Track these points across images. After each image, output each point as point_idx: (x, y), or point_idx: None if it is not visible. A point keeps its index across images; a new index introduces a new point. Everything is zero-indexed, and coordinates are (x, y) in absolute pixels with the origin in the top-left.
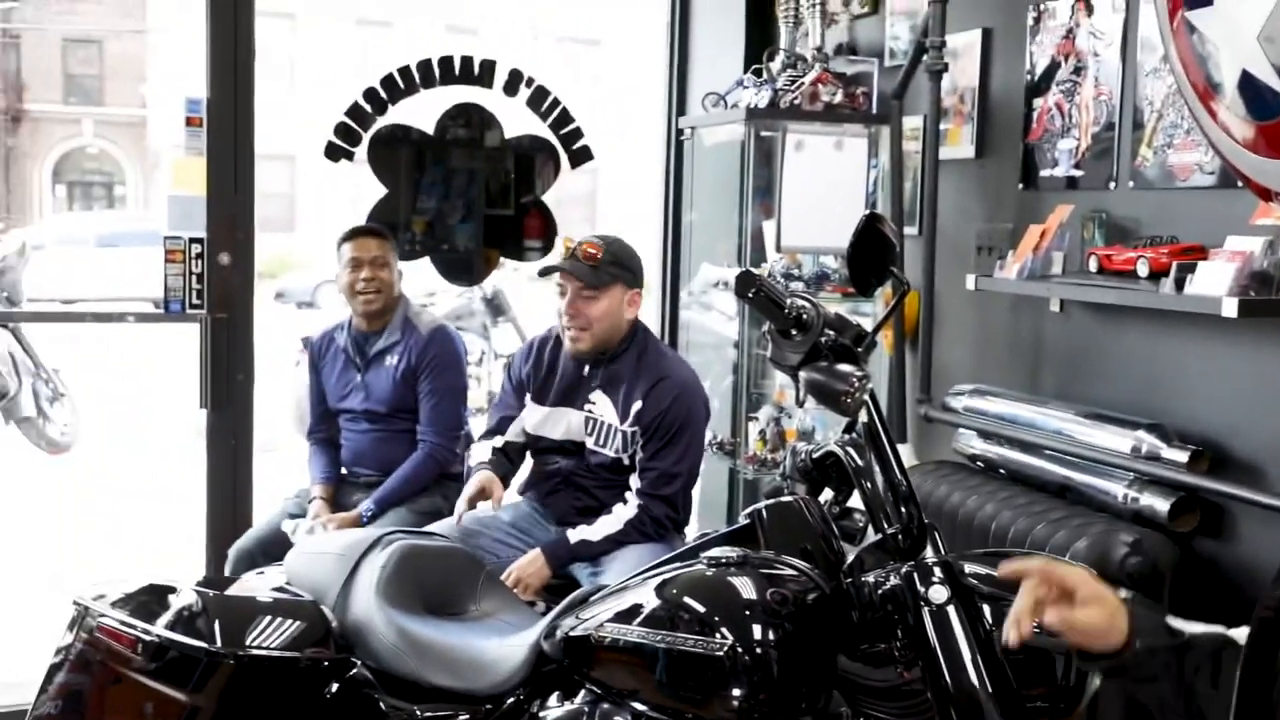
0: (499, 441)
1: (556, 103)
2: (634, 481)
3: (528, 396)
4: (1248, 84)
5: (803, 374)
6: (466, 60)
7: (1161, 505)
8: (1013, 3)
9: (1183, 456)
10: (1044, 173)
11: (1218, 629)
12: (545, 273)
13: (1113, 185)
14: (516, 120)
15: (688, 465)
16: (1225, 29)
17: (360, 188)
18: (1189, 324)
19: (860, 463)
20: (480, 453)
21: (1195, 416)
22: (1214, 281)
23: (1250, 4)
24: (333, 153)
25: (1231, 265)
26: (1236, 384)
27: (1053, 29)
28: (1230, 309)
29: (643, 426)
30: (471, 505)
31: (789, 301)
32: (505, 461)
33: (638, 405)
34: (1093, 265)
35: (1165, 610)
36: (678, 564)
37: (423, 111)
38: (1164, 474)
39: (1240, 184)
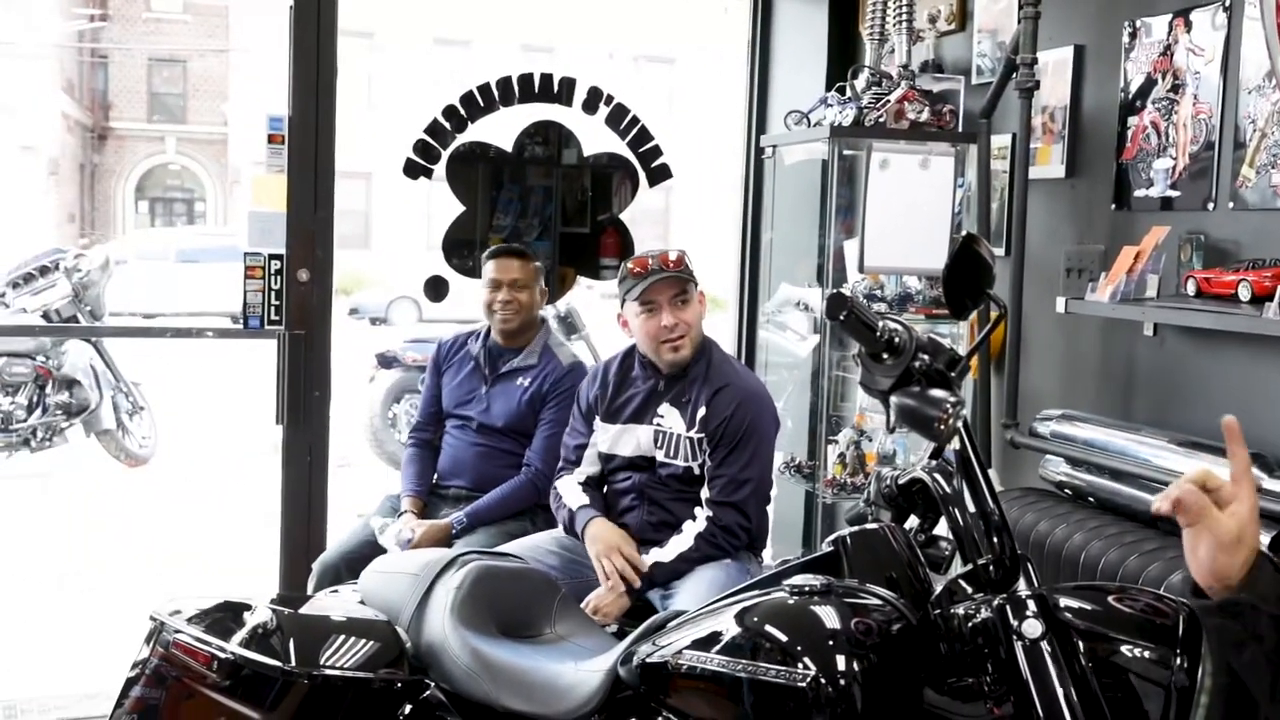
0: (582, 476)
1: (635, 120)
2: (704, 493)
3: (597, 420)
4: None
5: (894, 399)
6: (546, 78)
7: (1264, 536)
8: (1107, 19)
9: None
10: (1138, 193)
11: None
12: (633, 290)
13: (1211, 206)
14: (595, 138)
15: (756, 472)
16: None
17: (435, 204)
18: None
19: (949, 490)
20: (570, 491)
21: None
22: None
23: None
24: (412, 170)
25: None
26: None
27: (1149, 45)
28: None
29: (709, 433)
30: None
31: (881, 324)
32: (600, 497)
33: (703, 412)
34: (1190, 288)
35: None
36: (758, 591)
37: (502, 129)
38: (1265, 505)
39: None
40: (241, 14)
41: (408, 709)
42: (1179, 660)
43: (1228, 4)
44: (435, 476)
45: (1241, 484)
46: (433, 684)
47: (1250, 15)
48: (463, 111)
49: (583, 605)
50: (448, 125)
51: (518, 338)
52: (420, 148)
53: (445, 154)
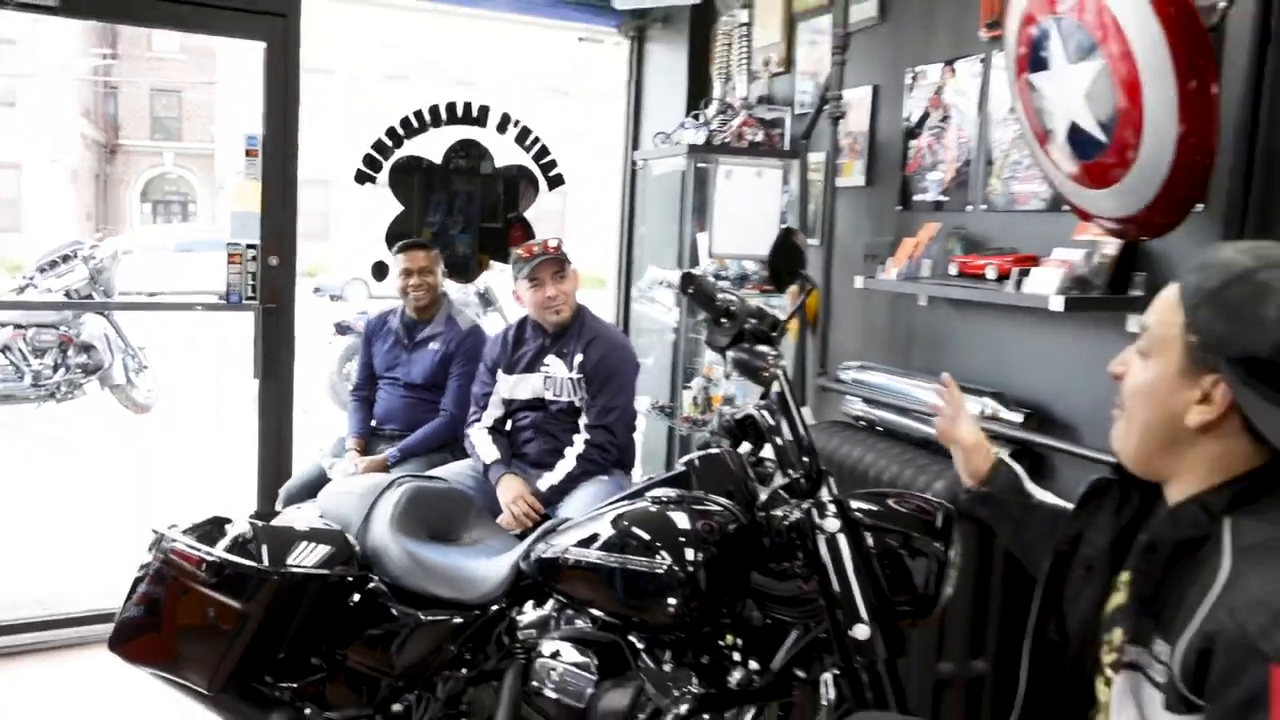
0: (490, 421)
1: (537, 140)
2: (582, 420)
3: (499, 372)
4: (1075, 132)
5: (730, 353)
6: (467, 105)
7: (1001, 454)
8: (896, 66)
9: (1018, 418)
10: (917, 198)
11: (1063, 504)
12: (523, 270)
13: (970, 208)
14: (505, 153)
15: (621, 401)
16: (1058, 89)
17: (380, 206)
18: (1025, 316)
19: (772, 422)
20: (482, 443)
21: (1028, 387)
22: (1044, 283)
23: (1078, 71)
24: (360, 178)
25: (1058, 271)
26: (1059, 362)
27: (925, 86)
28: (1057, 305)
29: (585, 375)
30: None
31: (720, 297)
32: (506, 446)
33: (580, 358)
34: (953, 270)
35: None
36: (627, 501)
37: (433, 145)
38: (1004, 431)
39: (1066, 208)
40: (226, 53)
41: (357, 597)
42: (938, 544)
43: (983, 57)
44: (374, 423)
45: (962, 408)
46: (377, 578)
47: (998, 66)
48: (401, 131)
49: (501, 520)
50: (389, 142)
51: (427, 311)
52: (367, 160)
53: (387, 165)
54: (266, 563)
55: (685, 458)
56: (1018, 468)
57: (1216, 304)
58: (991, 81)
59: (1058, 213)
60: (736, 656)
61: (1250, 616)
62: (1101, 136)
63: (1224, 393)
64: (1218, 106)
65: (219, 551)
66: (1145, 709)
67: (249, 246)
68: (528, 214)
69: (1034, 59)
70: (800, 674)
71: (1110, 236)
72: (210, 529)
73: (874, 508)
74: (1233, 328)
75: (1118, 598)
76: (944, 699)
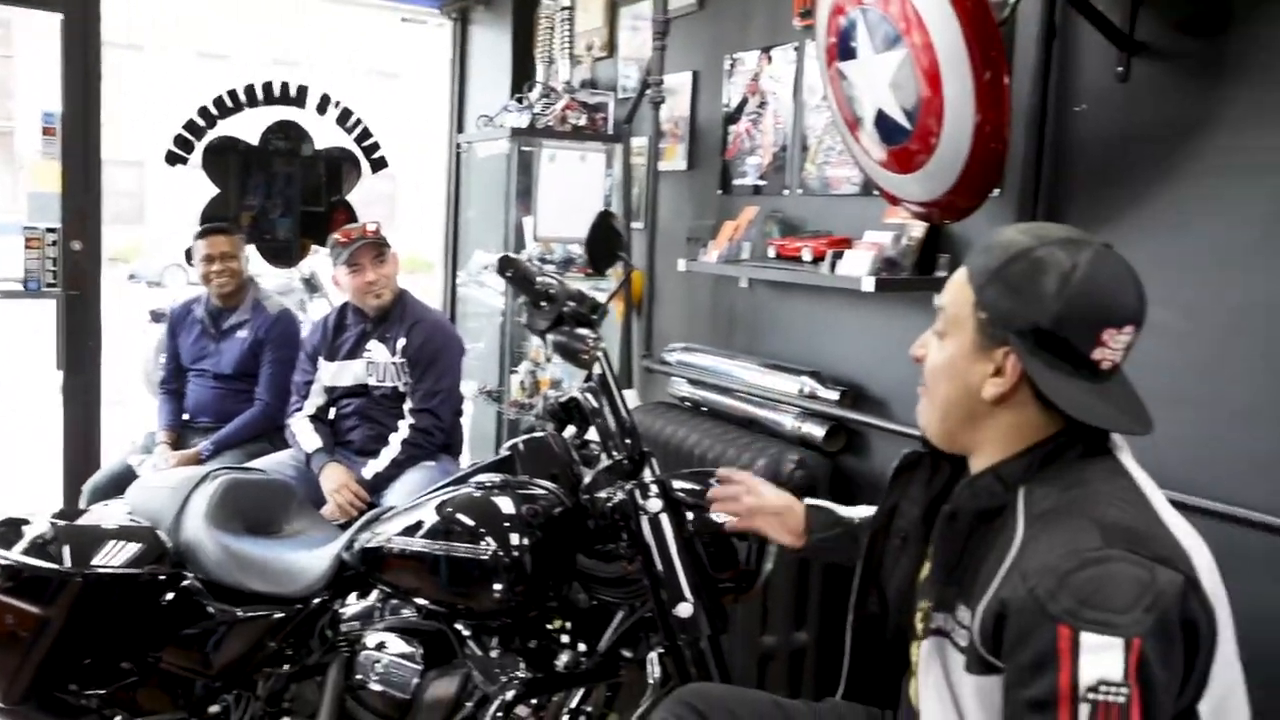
0: (312, 409)
1: (359, 121)
2: (406, 405)
3: (320, 360)
4: (881, 119)
5: (550, 336)
6: (284, 85)
7: (818, 431)
8: (714, 53)
9: (834, 395)
10: (737, 182)
11: (868, 512)
12: (341, 255)
13: (786, 192)
14: (327, 135)
15: (446, 384)
16: (866, 78)
17: (197, 188)
18: (839, 297)
19: (596, 405)
20: (304, 432)
21: (843, 365)
22: (857, 265)
23: (882, 59)
24: (171, 159)
25: (869, 253)
26: (871, 341)
27: (743, 73)
28: (869, 285)
29: (409, 358)
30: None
31: (539, 279)
32: (329, 435)
33: (403, 342)
34: (771, 253)
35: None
36: (452, 488)
37: (249, 126)
38: (820, 408)
39: (876, 192)
40: (22, 24)
41: (170, 596)
42: None
43: (796, 46)
44: (185, 416)
45: (753, 481)
46: (191, 575)
47: (811, 55)
48: (214, 111)
49: (325, 510)
50: (201, 122)
51: (232, 298)
52: (179, 141)
53: (200, 146)
54: (69, 564)
55: (509, 442)
56: (822, 501)
57: (1000, 281)
58: (806, 69)
59: (869, 197)
60: (564, 639)
61: (1039, 580)
62: (906, 124)
63: (1014, 364)
64: (1010, 97)
65: (14, 554)
66: (950, 672)
67: (49, 230)
68: (352, 197)
69: (843, 48)
70: (627, 654)
71: (917, 220)
72: (5, 531)
73: (696, 487)
74: (1016, 302)
75: (929, 567)
76: (768, 671)
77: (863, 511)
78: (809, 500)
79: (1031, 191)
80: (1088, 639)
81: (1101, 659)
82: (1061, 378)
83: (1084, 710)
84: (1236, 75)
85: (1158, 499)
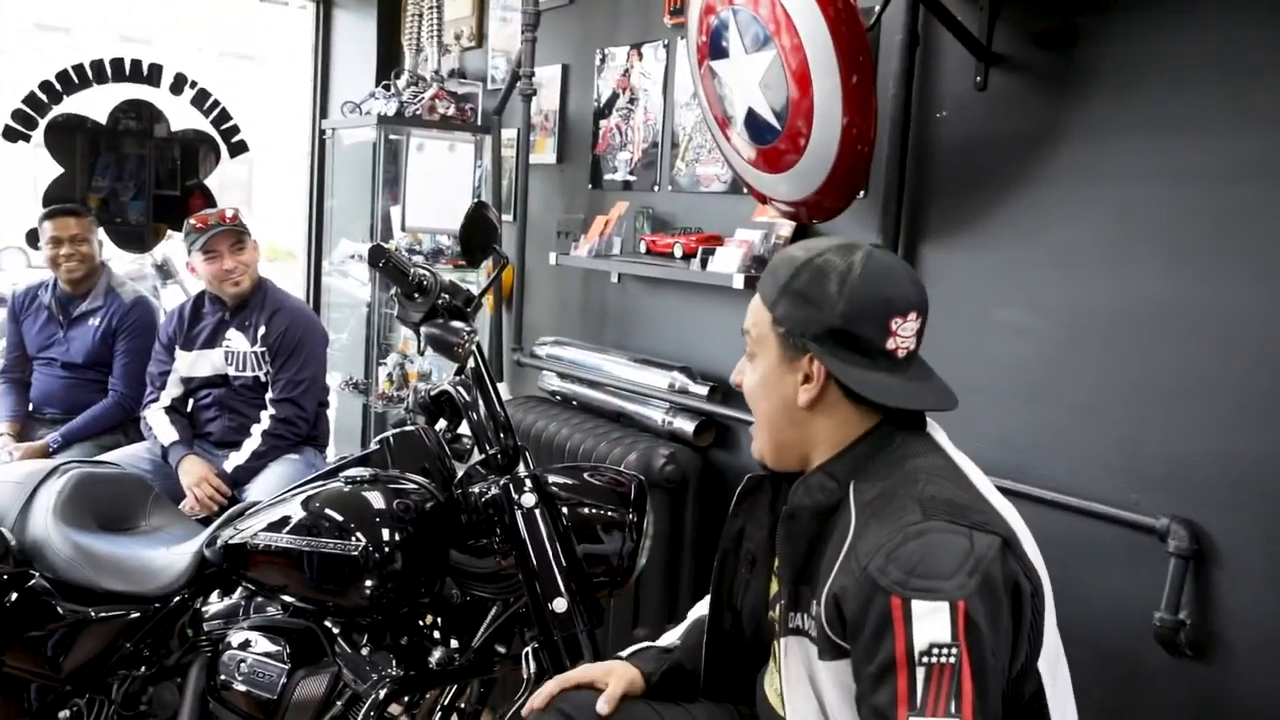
0: (168, 400)
1: (217, 103)
2: (268, 395)
3: (177, 349)
4: (752, 119)
5: (423, 329)
6: (136, 62)
7: (689, 426)
8: (585, 46)
9: (704, 390)
10: (607, 177)
11: (682, 628)
12: (196, 241)
13: (657, 188)
14: (182, 116)
15: (309, 374)
16: (736, 76)
17: (40, 167)
18: (710, 293)
19: (468, 398)
20: (160, 424)
21: (712, 360)
22: (727, 262)
23: (753, 59)
24: (10, 134)
25: (739, 250)
26: (740, 337)
27: (614, 68)
28: (739, 283)
29: (269, 347)
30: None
31: (412, 271)
32: (186, 427)
33: (263, 330)
34: (642, 248)
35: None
36: (320, 482)
37: (97, 104)
38: (690, 403)
39: (745, 190)
40: None
41: (14, 596)
42: (631, 515)
43: (666, 42)
44: (31, 407)
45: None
46: (38, 574)
47: (681, 52)
48: (58, 86)
49: (184, 506)
50: (44, 98)
51: (83, 284)
52: (19, 116)
53: (43, 123)
54: None
55: (380, 436)
56: (636, 645)
57: (789, 295)
58: (676, 67)
59: (738, 195)
60: (437, 636)
61: (871, 559)
62: (776, 124)
63: (818, 368)
64: (876, 102)
65: None
66: (809, 663)
67: None
68: (210, 181)
69: (715, 47)
70: (501, 649)
71: (785, 219)
72: None
73: (570, 481)
74: (808, 310)
75: (778, 576)
76: None
77: (676, 632)
78: (625, 652)
79: (895, 194)
80: (918, 606)
81: (932, 624)
82: (863, 371)
83: (920, 674)
84: (1086, 89)
85: (974, 473)
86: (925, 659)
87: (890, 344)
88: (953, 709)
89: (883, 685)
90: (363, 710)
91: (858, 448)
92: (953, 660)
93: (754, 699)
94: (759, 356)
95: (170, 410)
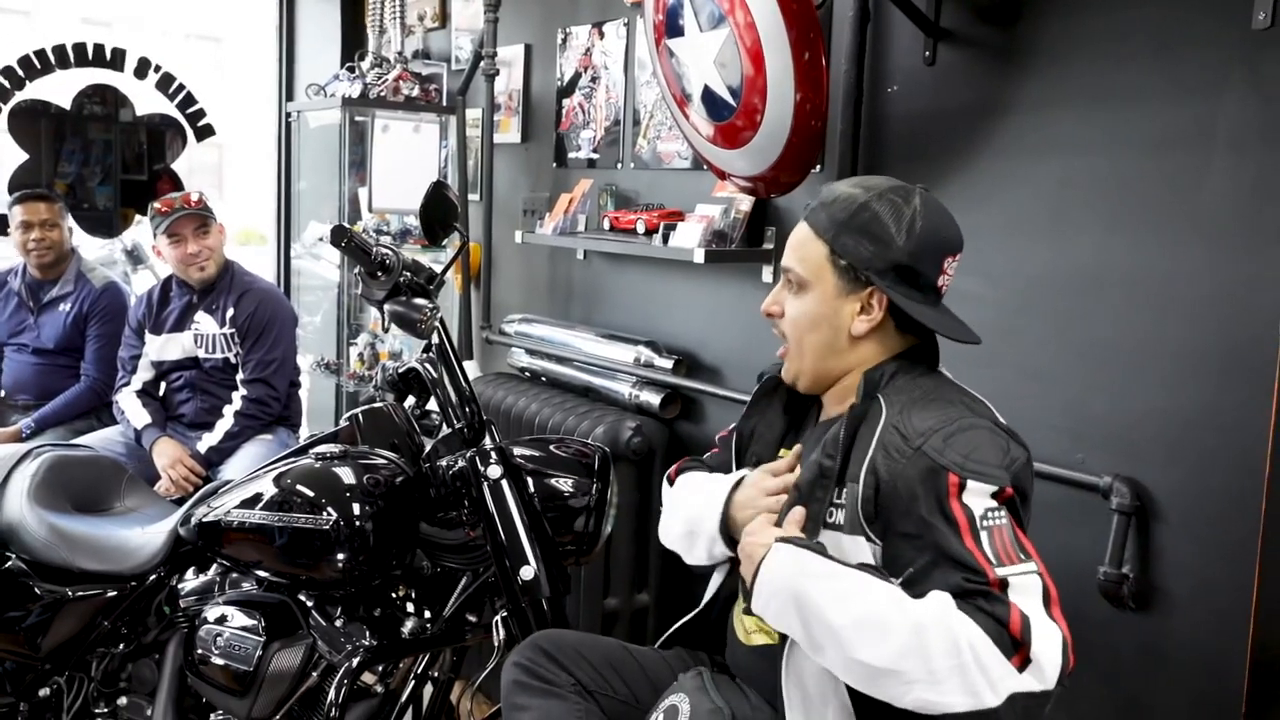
0: (139, 384)
1: (182, 87)
2: (239, 376)
3: (146, 333)
4: (709, 96)
5: (387, 307)
6: (99, 47)
7: (654, 399)
8: (547, 25)
9: (669, 364)
10: (571, 155)
11: None
12: (160, 225)
13: (620, 166)
14: (147, 100)
15: (280, 353)
16: (692, 54)
17: (3, 153)
18: (672, 268)
19: (435, 375)
20: (132, 407)
21: (677, 335)
22: (688, 237)
23: (708, 38)
24: None
25: (700, 226)
26: (703, 311)
27: (576, 47)
28: (699, 257)
29: (239, 328)
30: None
31: (375, 249)
32: (159, 410)
33: (231, 311)
34: (606, 225)
35: None
36: (291, 459)
37: (60, 89)
38: (656, 376)
39: (705, 167)
40: None
41: None
42: (596, 484)
43: (626, 21)
44: (3, 393)
45: None
46: (14, 556)
47: (640, 31)
48: (21, 72)
49: (159, 488)
50: (6, 84)
51: (53, 270)
52: None
53: (5, 109)
54: None
55: (349, 413)
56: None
57: (852, 231)
58: (636, 45)
59: (699, 171)
60: (409, 607)
61: (926, 440)
62: (732, 101)
63: (879, 299)
64: (828, 77)
65: None
66: (840, 551)
67: None
68: (178, 166)
69: (671, 25)
70: (472, 618)
71: (744, 194)
72: None
73: (535, 453)
74: (875, 247)
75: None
76: (612, 632)
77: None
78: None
79: (850, 167)
80: (972, 484)
81: (983, 499)
82: (920, 305)
83: (984, 537)
84: (1028, 63)
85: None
86: (985, 523)
87: (940, 281)
88: (1022, 555)
89: (952, 558)
90: (336, 679)
91: (893, 361)
92: (1003, 521)
93: (719, 644)
94: (809, 289)
95: (142, 394)
